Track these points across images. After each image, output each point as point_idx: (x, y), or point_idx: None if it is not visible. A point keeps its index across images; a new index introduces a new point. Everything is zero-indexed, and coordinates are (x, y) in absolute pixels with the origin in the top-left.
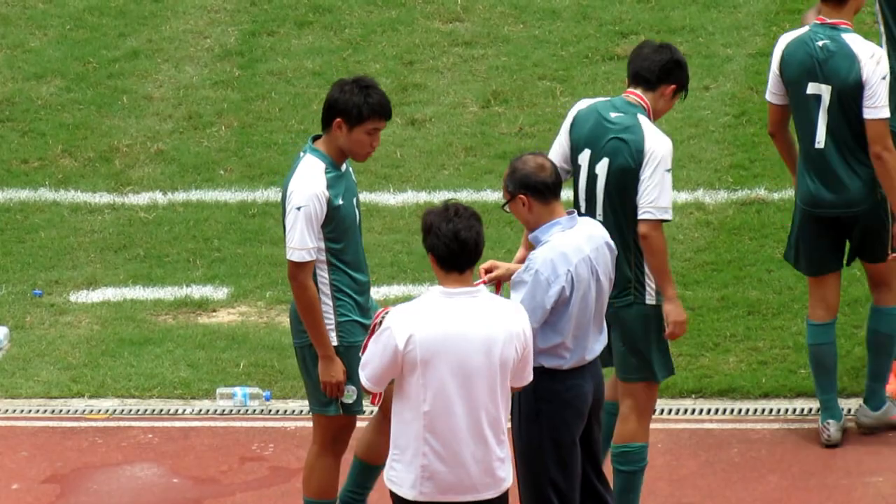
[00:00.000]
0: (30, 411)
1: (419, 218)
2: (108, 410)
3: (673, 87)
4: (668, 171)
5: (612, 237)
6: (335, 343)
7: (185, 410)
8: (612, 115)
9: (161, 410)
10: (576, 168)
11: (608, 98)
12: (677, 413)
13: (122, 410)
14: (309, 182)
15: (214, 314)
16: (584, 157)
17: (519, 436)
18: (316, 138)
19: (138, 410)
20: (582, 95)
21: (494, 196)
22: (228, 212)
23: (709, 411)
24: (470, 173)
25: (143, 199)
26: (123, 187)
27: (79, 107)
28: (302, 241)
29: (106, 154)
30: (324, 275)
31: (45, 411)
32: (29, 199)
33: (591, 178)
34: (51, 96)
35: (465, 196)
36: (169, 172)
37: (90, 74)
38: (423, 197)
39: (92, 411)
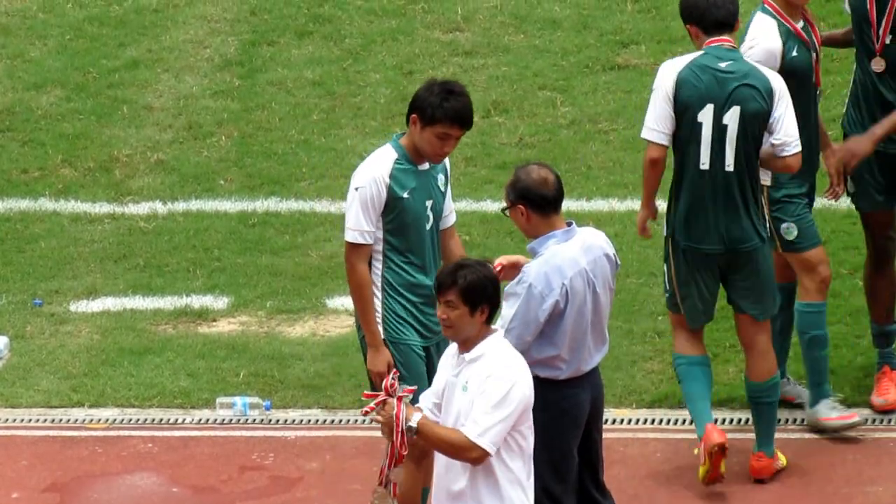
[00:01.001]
0: (30, 420)
1: None
2: (108, 420)
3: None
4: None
5: (743, 183)
6: (381, 336)
7: (185, 420)
8: (723, 65)
9: (161, 420)
10: (695, 127)
11: (695, 54)
12: (677, 423)
13: (122, 420)
14: (372, 166)
15: (214, 324)
16: (707, 113)
17: None
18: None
19: (138, 420)
20: (582, 106)
21: (494, 206)
22: (228, 221)
23: None
24: (470, 183)
25: (143, 208)
26: (123, 197)
27: (79, 117)
28: (357, 223)
29: (106, 164)
30: (378, 266)
31: (46, 420)
32: (29, 208)
33: (720, 129)
34: (51, 106)
35: (464, 206)
36: (169, 182)
37: (90, 84)
38: None
39: (92, 421)
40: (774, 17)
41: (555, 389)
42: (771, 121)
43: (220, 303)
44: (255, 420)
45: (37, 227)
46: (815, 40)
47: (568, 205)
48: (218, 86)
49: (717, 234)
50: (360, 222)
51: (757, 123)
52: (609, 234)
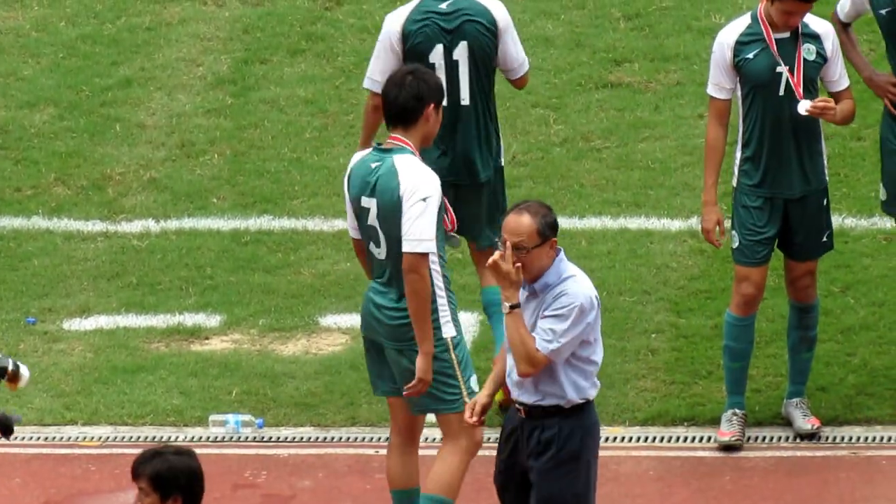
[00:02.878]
0: (23, 438)
1: None
2: (101, 438)
3: None
4: None
5: (479, 116)
6: (454, 334)
7: (177, 438)
8: (443, 6)
9: (154, 438)
10: (430, 68)
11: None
12: (669, 441)
13: (116, 438)
14: (429, 174)
15: (207, 342)
16: (437, 54)
17: (555, 478)
18: (380, 146)
19: (131, 438)
20: (575, 124)
21: None
22: (221, 240)
23: (701, 439)
24: None
25: (135, 226)
26: (116, 215)
27: (72, 135)
28: (431, 233)
29: (99, 182)
30: (437, 269)
31: (39, 438)
32: (22, 227)
33: (452, 66)
34: (44, 124)
35: None
36: (162, 200)
37: (83, 102)
38: None
39: (85, 438)
40: (753, 18)
41: (593, 410)
42: (499, 52)
43: (212, 321)
44: (247, 438)
45: (30, 246)
46: (797, 56)
47: (561, 223)
48: (211, 104)
49: (456, 165)
50: (433, 232)
51: (485, 55)
52: (602, 252)
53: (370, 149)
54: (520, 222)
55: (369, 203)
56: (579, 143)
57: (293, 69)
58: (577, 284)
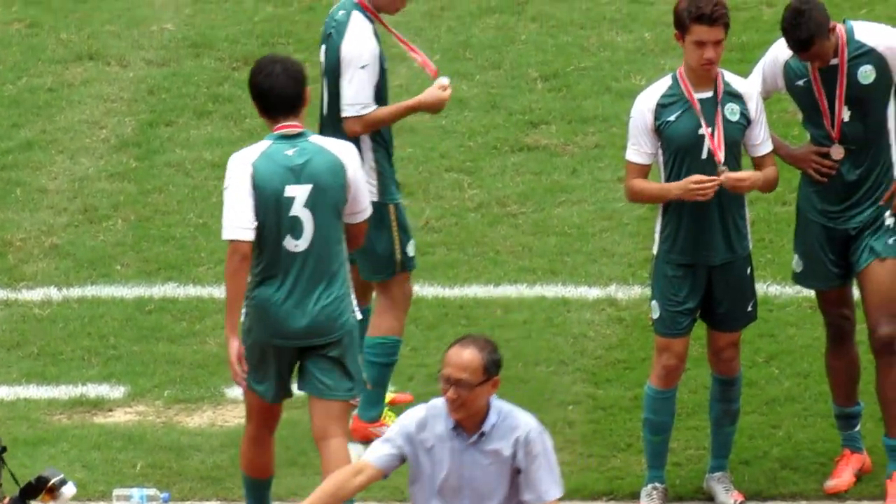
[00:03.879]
0: None
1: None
2: None
3: None
4: None
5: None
6: None
7: None
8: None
9: None
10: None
11: (264, 144)
12: None
13: None
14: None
15: (111, 413)
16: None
17: None
18: (280, 134)
19: None
20: (490, 188)
21: None
22: (125, 308)
23: None
24: None
25: (37, 294)
26: (17, 283)
27: None
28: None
29: None
30: None
31: None
32: None
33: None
34: None
35: None
36: (64, 267)
37: None
38: None
39: None
40: (674, 78)
41: None
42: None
43: (116, 392)
44: None
45: None
46: (718, 117)
47: (475, 290)
48: (114, 167)
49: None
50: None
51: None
52: (517, 322)
53: (265, 141)
54: (463, 356)
55: (297, 191)
56: (494, 207)
57: (199, 131)
58: (519, 412)
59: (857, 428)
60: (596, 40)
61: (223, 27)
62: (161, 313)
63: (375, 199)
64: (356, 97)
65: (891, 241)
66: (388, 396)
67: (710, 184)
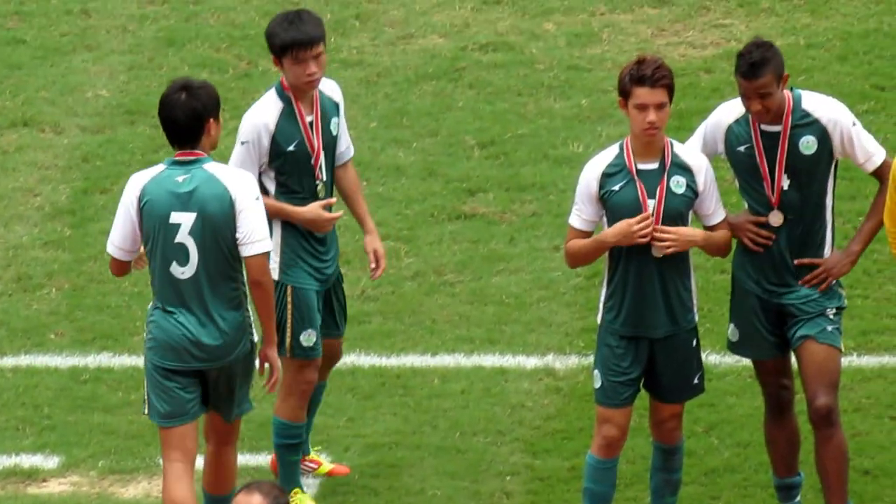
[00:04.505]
0: None
1: (261, 385)
2: None
3: None
4: None
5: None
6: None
7: None
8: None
9: None
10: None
11: (159, 168)
12: None
13: None
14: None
15: (45, 484)
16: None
17: None
18: (175, 160)
19: None
20: (427, 257)
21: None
22: (59, 378)
23: None
24: None
25: None
26: None
27: None
28: (267, 230)
29: None
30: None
31: None
32: None
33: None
34: None
35: None
36: None
37: None
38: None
39: None
40: (620, 147)
41: None
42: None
43: (50, 462)
44: None
45: None
46: (661, 189)
47: (412, 360)
48: (48, 235)
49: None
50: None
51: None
52: (455, 391)
53: (161, 165)
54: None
55: (182, 218)
56: (431, 276)
57: None
58: None
59: (798, 499)
60: (533, 107)
61: (158, 94)
62: (96, 383)
63: (275, 276)
64: None
65: (830, 328)
66: (326, 468)
67: (644, 222)
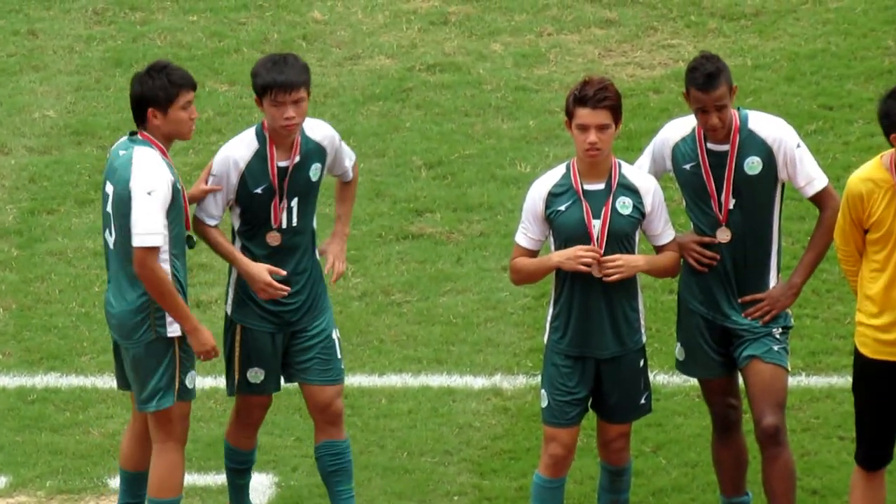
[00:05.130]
0: None
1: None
2: None
3: None
4: None
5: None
6: (179, 335)
7: None
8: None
9: None
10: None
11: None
12: None
13: None
14: (158, 168)
15: None
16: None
17: None
18: (133, 134)
19: None
20: (375, 277)
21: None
22: (6, 398)
23: None
24: None
25: None
26: None
27: None
28: (157, 226)
29: None
30: (167, 266)
31: None
32: None
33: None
34: None
35: None
36: None
37: None
38: (208, 382)
39: None
40: (567, 168)
41: None
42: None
43: None
44: None
45: None
46: (606, 209)
47: (359, 380)
48: None
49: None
50: (159, 227)
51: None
52: (402, 411)
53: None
54: None
55: (108, 189)
56: (379, 296)
57: (81, 220)
58: None
59: None
60: (481, 128)
61: (105, 115)
62: (43, 403)
63: (228, 311)
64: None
65: (776, 347)
66: None
67: (591, 254)
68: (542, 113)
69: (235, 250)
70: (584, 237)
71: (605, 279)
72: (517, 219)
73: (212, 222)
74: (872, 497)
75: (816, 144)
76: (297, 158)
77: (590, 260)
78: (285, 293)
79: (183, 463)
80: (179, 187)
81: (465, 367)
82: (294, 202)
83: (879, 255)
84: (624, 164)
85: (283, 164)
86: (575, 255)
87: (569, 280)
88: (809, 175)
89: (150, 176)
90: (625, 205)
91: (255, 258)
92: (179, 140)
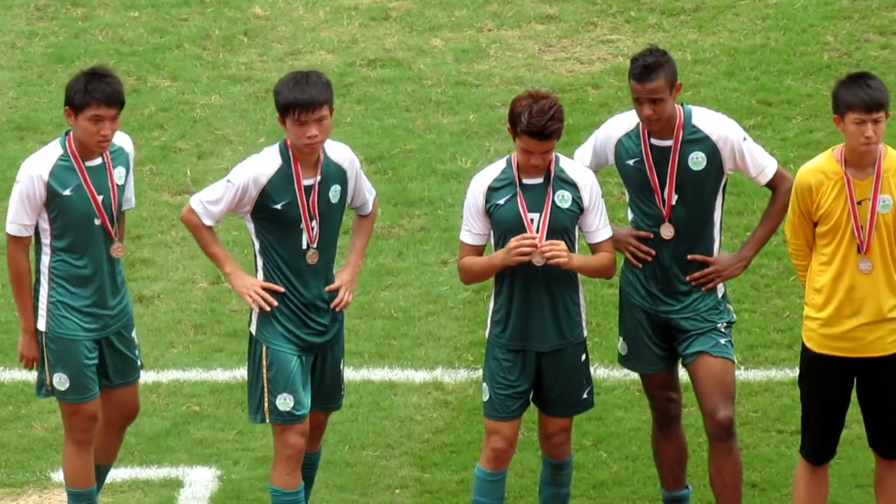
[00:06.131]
0: None
1: (153, 399)
2: None
3: None
4: None
5: None
6: (44, 329)
7: None
8: None
9: None
10: None
11: None
12: None
13: None
14: (31, 162)
15: None
16: None
17: None
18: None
19: None
20: None
21: (225, 375)
22: None
23: None
24: (200, 351)
25: None
26: None
27: None
28: (13, 215)
29: None
30: (45, 259)
31: None
32: None
33: None
34: None
35: (193, 375)
36: None
37: None
38: (151, 376)
39: None
40: (508, 162)
41: None
42: None
43: None
44: None
45: None
46: (546, 203)
47: None
48: None
49: None
50: (15, 216)
51: None
52: (344, 405)
53: None
54: None
55: None
56: None
57: None
58: None
59: None
60: (421, 122)
61: (47, 110)
62: None
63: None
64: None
65: (722, 341)
66: None
67: (527, 242)
68: (483, 108)
69: (227, 254)
70: (522, 231)
71: (547, 262)
72: (458, 213)
73: (208, 221)
74: (816, 491)
75: (755, 139)
76: (320, 177)
77: (527, 249)
78: (269, 308)
79: (76, 457)
80: (70, 193)
81: (407, 360)
82: (314, 223)
83: (828, 249)
84: (562, 157)
85: (308, 182)
86: (510, 249)
87: (509, 273)
88: (760, 164)
89: (23, 168)
90: (564, 198)
91: (278, 279)
92: (91, 150)
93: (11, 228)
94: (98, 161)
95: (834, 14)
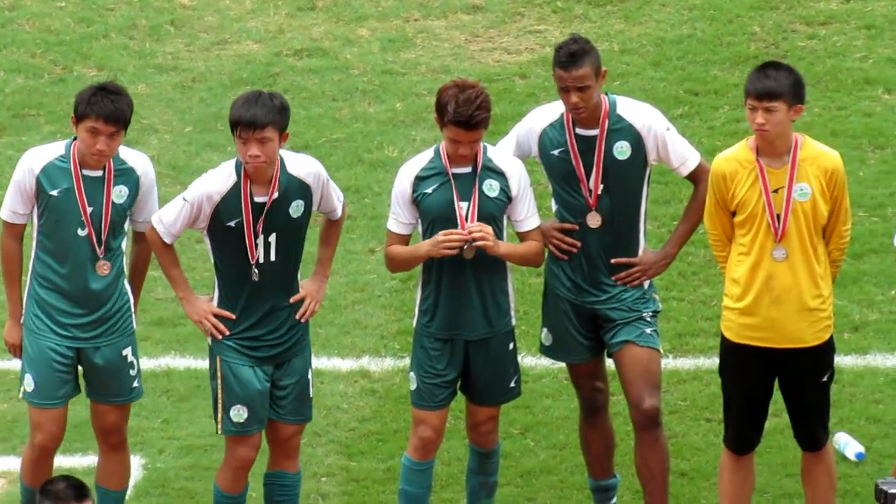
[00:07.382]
0: None
1: None
2: None
3: None
4: None
5: None
6: (22, 322)
7: None
8: None
9: None
10: None
11: None
12: None
13: None
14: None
15: None
16: None
17: None
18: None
19: None
20: None
21: (150, 363)
22: None
23: None
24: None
25: None
26: None
27: None
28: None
29: None
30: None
31: None
32: None
33: None
34: None
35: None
36: None
37: None
38: None
39: None
40: (436, 152)
41: None
42: None
43: None
44: None
45: None
46: (474, 190)
47: None
48: None
49: None
50: (14, 202)
51: None
52: None
53: None
54: None
55: None
56: None
57: None
58: None
59: (614, 500)
60: (348, 112)
61: None
62: None
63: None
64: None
65: (648, 330)
66: None
67: (456, 237)
68: (409, 96)
69: (184, 278)
70: (452, 219)
71: (473, 244)
72: (385, 202)
73: (168, 240)
74: (741, 480)
75: (682, 129)
76: (276, 195)
77: (455, 244)
78: (220, 335)
79: (31, 460)
80: (57, 194)
81: (333, 349)
82: (272, 238)
83: (745, 238)
84: (489, 146)
85: (260, 199)
86: (437, 242)
87: (437, 262)
88: (683, 156)
89: (23, 157)
90: (492, 187)
91: (232, 293)
92: (87, 160)
93: (5, 213)
94: (98, 173)
95: (760, 4)
